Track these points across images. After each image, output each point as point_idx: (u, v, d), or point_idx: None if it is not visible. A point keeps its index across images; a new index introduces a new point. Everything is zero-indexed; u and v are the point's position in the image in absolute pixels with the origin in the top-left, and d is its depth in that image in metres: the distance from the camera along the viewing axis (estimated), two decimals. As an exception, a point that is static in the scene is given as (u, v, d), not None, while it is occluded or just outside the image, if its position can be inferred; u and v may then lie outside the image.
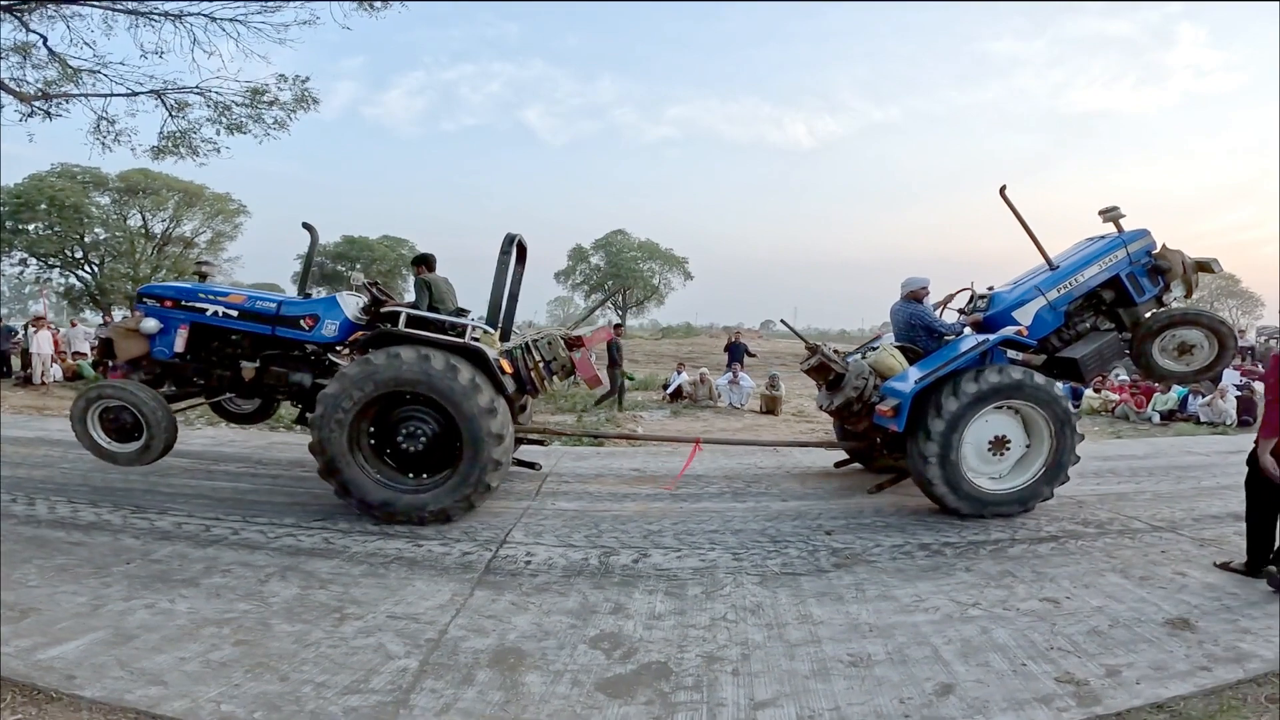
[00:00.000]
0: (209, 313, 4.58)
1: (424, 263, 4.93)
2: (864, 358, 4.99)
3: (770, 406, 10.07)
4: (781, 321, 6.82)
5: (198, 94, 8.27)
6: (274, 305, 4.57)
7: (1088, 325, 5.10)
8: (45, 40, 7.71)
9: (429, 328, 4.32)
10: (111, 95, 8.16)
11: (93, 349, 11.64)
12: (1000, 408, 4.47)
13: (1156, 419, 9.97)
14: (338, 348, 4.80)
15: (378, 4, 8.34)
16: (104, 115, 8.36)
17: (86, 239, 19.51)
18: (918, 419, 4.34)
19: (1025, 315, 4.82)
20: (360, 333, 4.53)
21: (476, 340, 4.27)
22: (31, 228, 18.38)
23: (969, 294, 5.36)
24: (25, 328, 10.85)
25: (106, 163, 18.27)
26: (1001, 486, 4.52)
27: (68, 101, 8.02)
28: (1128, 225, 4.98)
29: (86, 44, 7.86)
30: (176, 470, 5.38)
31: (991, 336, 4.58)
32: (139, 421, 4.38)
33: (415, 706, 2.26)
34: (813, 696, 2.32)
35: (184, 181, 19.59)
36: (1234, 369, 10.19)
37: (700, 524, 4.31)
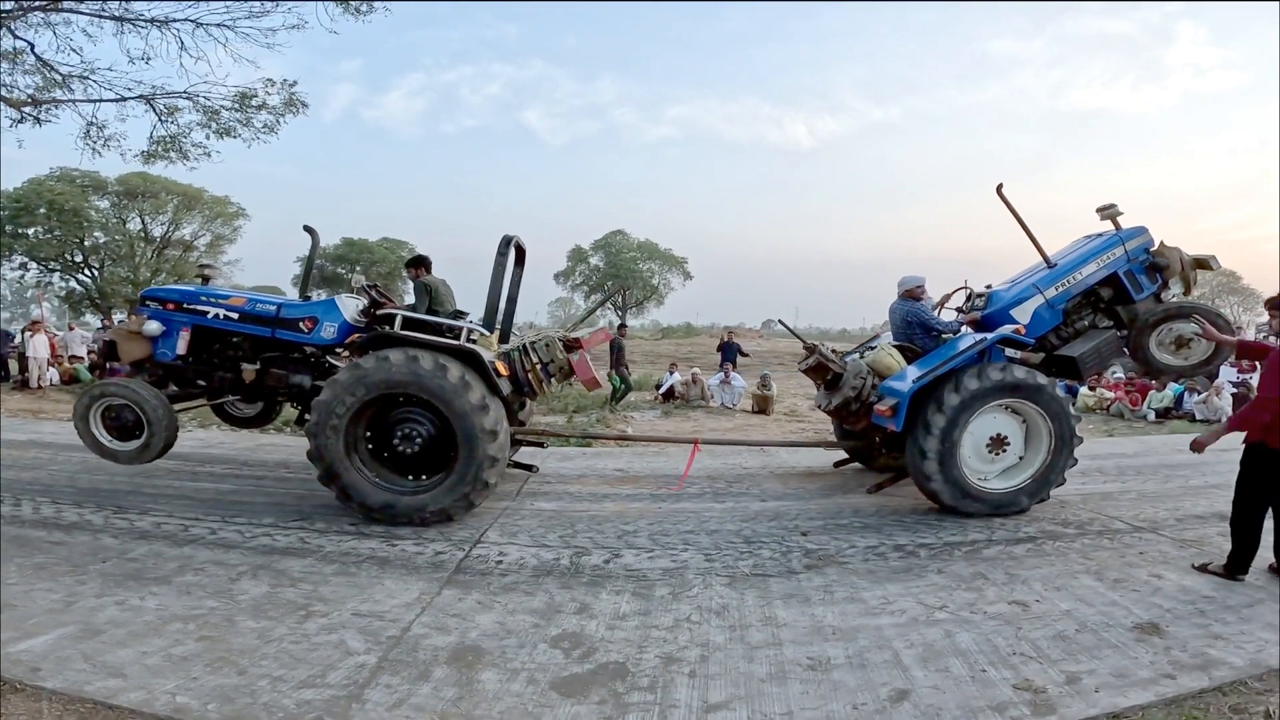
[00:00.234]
0: (210, 315, 4.64)
1: (421, 265, 4.93)
2: (862, 357, 4.97)
3: (762, 406, 10.05)
4: (779, 322, 6.82)
5: (186, 99, 8.35)
6: (274, 308, 4.62)
7: (1086, 323, 5.07)
8: (33, 48, 7.80)
9: (426, 331, 4.34)
10: (100, 101, 8.25)
11: (89, 352, 11.75)
12: (1003, 406, 4.44)
13: (1151, 416, 9.90)
14: (337, 350, 4.82)
15: (363, 8, 8.38)
16: (93, 121, 8.45)
17: (86, 243, 19.64)
18: (916, 418, 4.32)
19: (1023, 313, 4.80)
20: (356, 335, 4.56)
21: (473, 342, 4.29)
22: (31, 232, 18.50)
23: (966, 292, 5.34)
24: (22, 332, 10.94)
25: (105, 167, 18.44)
26: (1001, 485, 4.50)
27: (57, 107, 8.09)
28: (1126, 223, 4.96)
29: (73, 50, 7.95)
30: (162, 472, 5.42)
31: (989, 335, 4.55)
32: (140, 420, 4.44)
33: (369, 701, 2.29)
34: (766, 700, 2.31)
35: (183, 185, 19.73)
36: (1230, 365, 10.09)
37: (676, 524, 4.31)
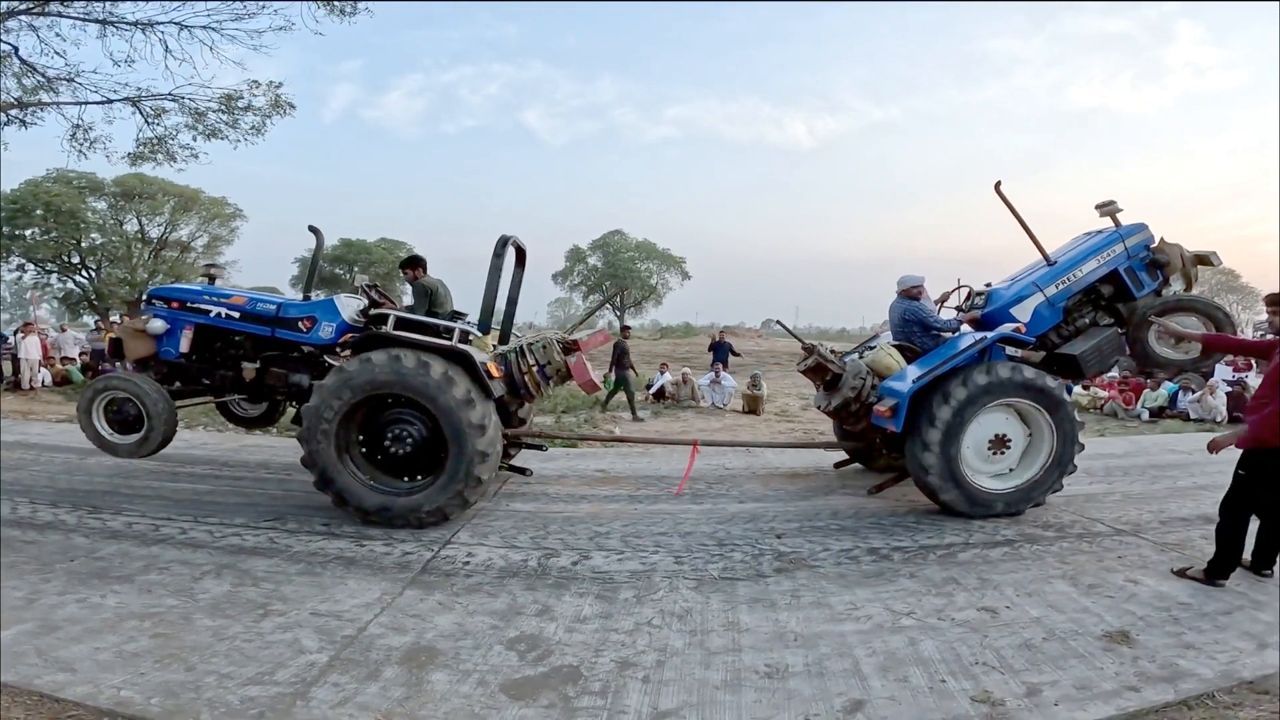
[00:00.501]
0: (213, 314, 4.68)
1: (418, 265, 4.91)
2: (861, 357, 4.92)
3: (752, 406, 10.00)
4: (777, 322, 6.77)
5: (173, 101, 8.34)
6: (274, 307, 4.65)
7: (1087, 321, 5.02)
8: (16, 51, 7.80)
9: (421, 332, 4.32)
10: (85, 104, 8.26)
11: (81, 354, 11.77)
12: (1005, 406, 4.41)
13: (1145, 416, 9.81)
14: (337, 349, 4.82)
15: (347, 8, 8.37)
16: (79, 123, 8.45)
17: (83, 244, 19.74)
18: (917, 418, 4.28)
19: (1023, 312, 4.75)
20: (349, 334, 4.55)
21: (468, 343, 4.26)
22: (28, 233, 18.58)
23: (966, 291, 5.30)
24: (15, 333, 10.97)
25: (99, 168, 18.47)
26: (1001, 485, 4.47)
27: (42, 109, 8.11)
28: (1126, 220, 4.91)
29: (57, 53, 7.95)
30: (141, 473, 5.41)
31: (989, 334, 4.51)
32: (141, 414, 4.49)
33: (314, 699, 2.27)
34: (718, 708, 2.26)
35: (179, 186, 19.80)
36: (1226, 364, 10.00)
37: (650, 526, 4.26)
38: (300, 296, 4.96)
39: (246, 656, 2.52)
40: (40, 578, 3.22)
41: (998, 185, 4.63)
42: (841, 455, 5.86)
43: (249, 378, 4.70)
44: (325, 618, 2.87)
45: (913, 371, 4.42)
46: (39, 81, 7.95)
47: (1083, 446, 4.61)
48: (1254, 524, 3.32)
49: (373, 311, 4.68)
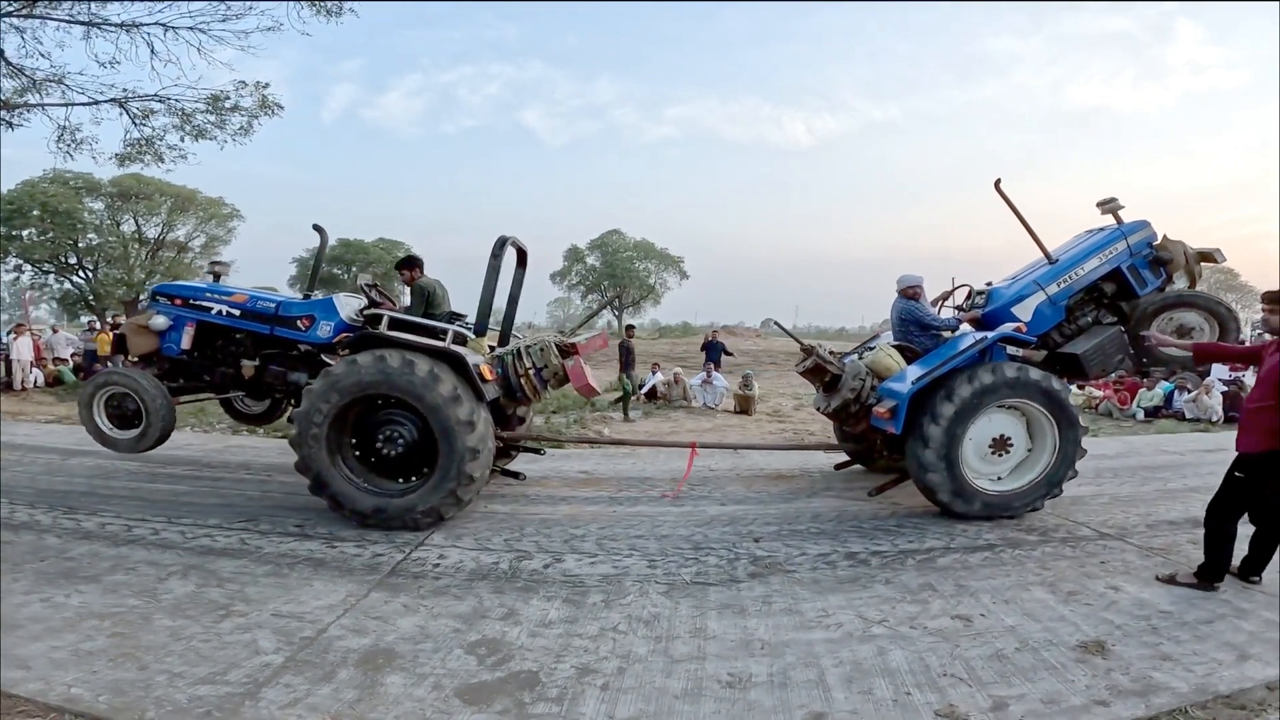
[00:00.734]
0: (214, 311, 4.71)
1: (414, 266, 4.88)
2: (860, 358, 4.86)
3: (744, 406, 9.94)
4: (775, 323, 6.67)
5: (160, 102, 8.33)
6: (273, 305, 4.66)
7: (1089, 319, 4.95)
8: (2, 53, 7.79)
9: (415, 333, 4.29)
10: (72, 105, 8.25)
11: (74, 354, 11.78)
12: (1008, 406, 4.36)
13: (1140, 415, 9.72)
14: (336, 349, 4.79)
15: (333, 7, 8.34)
16: (65, 124, 8.45)
17: (80, 244, 19.78)
18: (916, 419, 4.22)
19: (1025, 311, 4.69)
20: (346, 334, 4.54)
21: (462, 343, 4.23)
22: (25, 234, 18.62)
23: (967, 289, 5.23)
24: (7, 334, 10.98)
25: (95, 169, 18.50)
26: (1002, 487, 4.42)
27: (28, 110, 8.11)
28: (1127, 218, 4.84)
29: (42, 55, 7.93)
30: (121, 473, 5.40)
31: (990, 334, 4.45)
32: (140, 410, 4.52)
33: (263, 699, 2.25)
34: (675, 718, 2.21)
35: (176, 186, 19.83)
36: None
37: (627, 529, 4.21)
38: (300, 295, 4.97)
39: (201, 656, 2.51)
40: (9, 578, 3.20)
41: (998, 183, 4.57)
42: (842, 457, 5.80)
43: (248, 375, 4.72)
44: (286, 619, 2.83)
45: (912, 372, 4.36)
46: (26, 83, 7.96)
47: (1085, 451, 4.53)
48: (1245, 529, 3.25)
49: (368, 312, 4.66)
